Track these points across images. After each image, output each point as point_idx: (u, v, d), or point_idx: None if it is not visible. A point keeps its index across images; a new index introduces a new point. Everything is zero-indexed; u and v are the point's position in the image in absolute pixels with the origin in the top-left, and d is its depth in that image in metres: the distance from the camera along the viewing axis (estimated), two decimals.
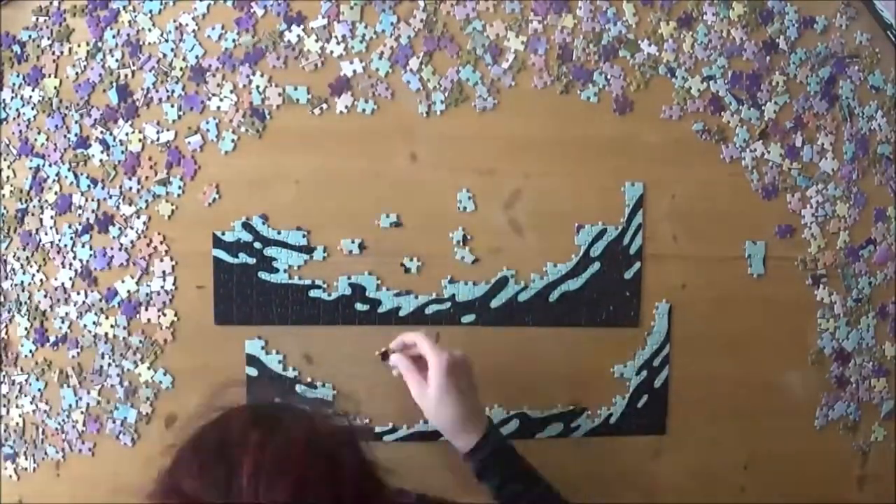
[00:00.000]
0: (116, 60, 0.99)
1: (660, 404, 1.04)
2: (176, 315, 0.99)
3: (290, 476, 0.59)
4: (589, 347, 1.03)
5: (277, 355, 1.01)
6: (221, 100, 0.99)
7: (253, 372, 1.01)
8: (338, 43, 1.01)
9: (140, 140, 0.99)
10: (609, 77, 1.03)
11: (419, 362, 0.90)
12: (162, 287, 0.99)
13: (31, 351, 0.99)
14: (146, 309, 0.99)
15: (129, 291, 0.99)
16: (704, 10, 1.04)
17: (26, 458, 1.01)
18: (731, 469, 1.05)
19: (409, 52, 1.01)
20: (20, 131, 0.98)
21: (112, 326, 0.99)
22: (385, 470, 0.67)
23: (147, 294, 0.99)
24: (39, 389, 1.00)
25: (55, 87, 0.98)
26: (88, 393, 1.00)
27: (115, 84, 0.99)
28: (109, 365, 1.00)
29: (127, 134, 0.99)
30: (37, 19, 0.99)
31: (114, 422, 1.00)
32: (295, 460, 0.61)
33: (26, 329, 0.99)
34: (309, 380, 1.01)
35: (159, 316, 0.99)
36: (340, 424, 0.69)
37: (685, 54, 1.04)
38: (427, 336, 0.91)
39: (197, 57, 0.99)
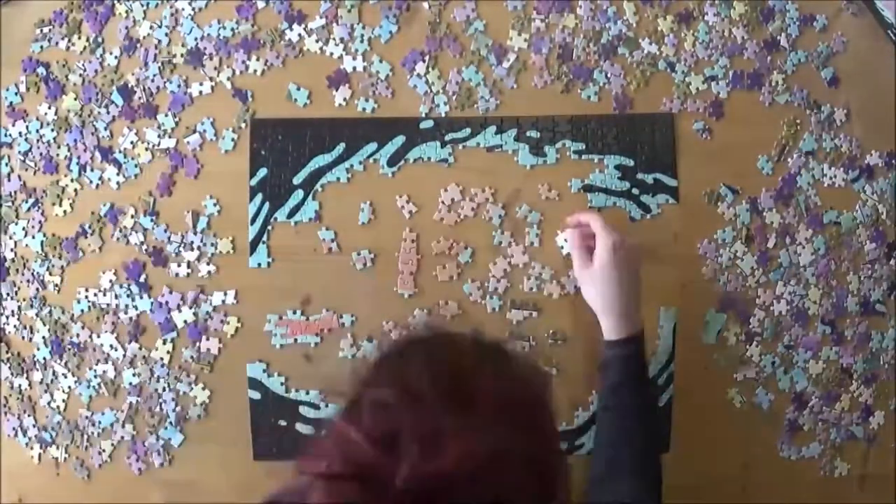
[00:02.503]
0: (115, 57, 1.00)
1: (664, 423, 1.03)
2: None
3: (512, 422, 0.57)
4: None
5: (279, 377, 1.01)
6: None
7: (256, 395, 1.01)
8: (336, 44, 1.01)
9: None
10: (609, 76, 1.03)
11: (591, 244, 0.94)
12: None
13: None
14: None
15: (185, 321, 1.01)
16: (706, 9, 1.04)
17: (57, 449, 1.02)
18: (731, 469, 1.05)
19: (417, 55, 1.02)
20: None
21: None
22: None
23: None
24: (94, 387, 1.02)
25: (75, 99, 1.01)
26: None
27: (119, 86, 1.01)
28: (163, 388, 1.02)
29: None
30: (41, 30, 1.00)
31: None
32: (518, 406, 0.59)
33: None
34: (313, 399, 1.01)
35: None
36: (546, 377, 0.69)
37: (686, 52, 1.04)
38: (601, 216, 0.94)
39: (196, 39, 1.01)
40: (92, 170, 1.01)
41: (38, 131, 1.01)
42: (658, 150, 1.03)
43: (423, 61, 1.02)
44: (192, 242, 1.00)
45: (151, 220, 1.00)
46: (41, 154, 1.01)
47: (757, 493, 1.05)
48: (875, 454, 1.06)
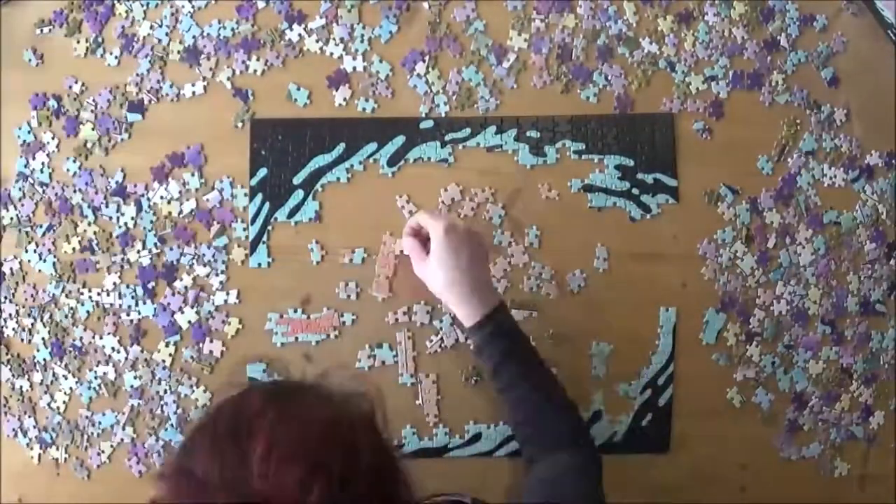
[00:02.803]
0: (116, 58, 1.00)
1: (664, 423, 1.03)
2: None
3: (304, 461, 0.56)
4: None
5: (279, 377, 1.01)
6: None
7: None
8: (336, 44, 1.01)
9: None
10: (609, 76, 1.03)
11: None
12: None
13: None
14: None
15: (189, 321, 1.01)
16: (706, 9, 1.04)
17: (57, 450, 1.02)
18: (731, 469, 1.05)
19: (417, 55, 1.02)
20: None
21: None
22: (401, 458, 0.64)
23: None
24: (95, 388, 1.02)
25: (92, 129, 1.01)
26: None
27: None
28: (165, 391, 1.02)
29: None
30: (40, 30, 1.00)
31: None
32: (310, 444, 0.58)
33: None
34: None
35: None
36: (363, 410, 0.65)
37: (686, 52, 1.04)
38: (425, 211, 0.92)
39: (194, 37, 1.01)
40: (107, 206, 1.01)
41: (50, 166, 1.02)
42: (658, 150, 1.03)
43: (423, 61, 1.02)
44: (204, 256, 1.01)
45: (161, 244, 1.01)
46: (56, 195, 1.01)
47: (757, 493, 1.05)
48: (875, 454, 1.06)
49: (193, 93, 1.01)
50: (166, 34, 1.01)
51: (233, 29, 1.01)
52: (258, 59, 1.01)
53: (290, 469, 0.56)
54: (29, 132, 1.01)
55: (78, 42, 1.01)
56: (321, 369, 0.70)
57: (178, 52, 1.01)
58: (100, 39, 1.01)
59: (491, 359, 0.88)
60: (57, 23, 1.01)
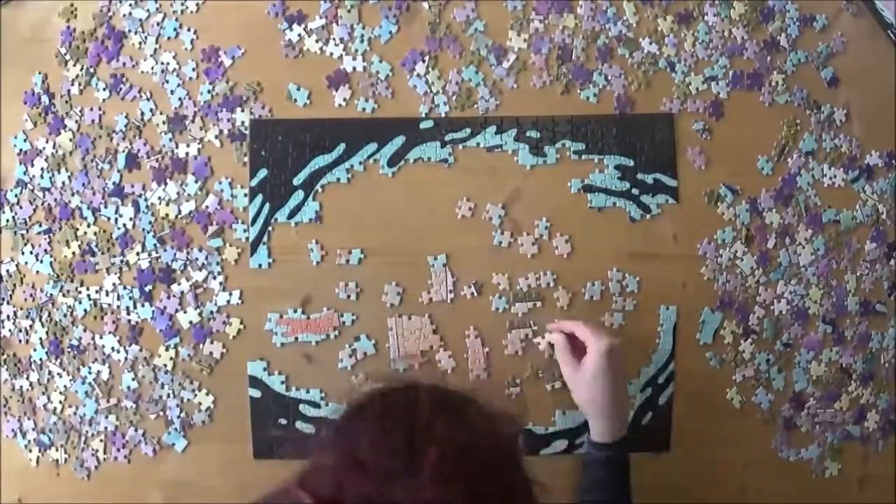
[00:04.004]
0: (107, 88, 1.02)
1: (664, 422, 1.03)
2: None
3: (468, 478, 0.56)
4: None
5: (280, 376, 1.01)
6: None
7: (256, 393, 1.01)
8: (336, 44, 1.01)
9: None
10: (609, 77, 1.03)
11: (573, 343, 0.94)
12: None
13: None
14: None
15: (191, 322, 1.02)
16: (706, 10, 1.04)
17: (56, 451, 1.02)
18: (731, 469, 1.05)
19: (417, 55, 1.01)
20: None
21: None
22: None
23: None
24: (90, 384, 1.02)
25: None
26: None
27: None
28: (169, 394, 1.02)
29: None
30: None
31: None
32: (476, 461, 0.58)
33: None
34: (313, 398, 1.01)
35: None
36: (513, 432, 0.66)
37: (686, 52, 1.04)
38: (585, 323, 0.94)
39: (180, 99, 1.01)
40: (106, 207, 1.01)
41: (49, 171, 1.02)
42: (658, 150, 1.03)
43: (423, 61, 1.02)
44: (199, 259, 1.01)
45: (160, 246, 1.01)
46: (55, 200, 1.01)
47: (756, 493, 1.05)
48: (874, 454, 1.06)
49: (187, 154, 1.01)
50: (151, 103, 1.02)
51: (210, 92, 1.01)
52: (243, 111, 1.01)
53: (457, 482, 0.55)
54: (25, 140, 1.01)
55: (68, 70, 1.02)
56: (472, 384, 0.68)
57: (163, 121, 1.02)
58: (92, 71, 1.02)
59: (598, 475, 0.92)
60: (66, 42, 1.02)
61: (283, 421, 1.01)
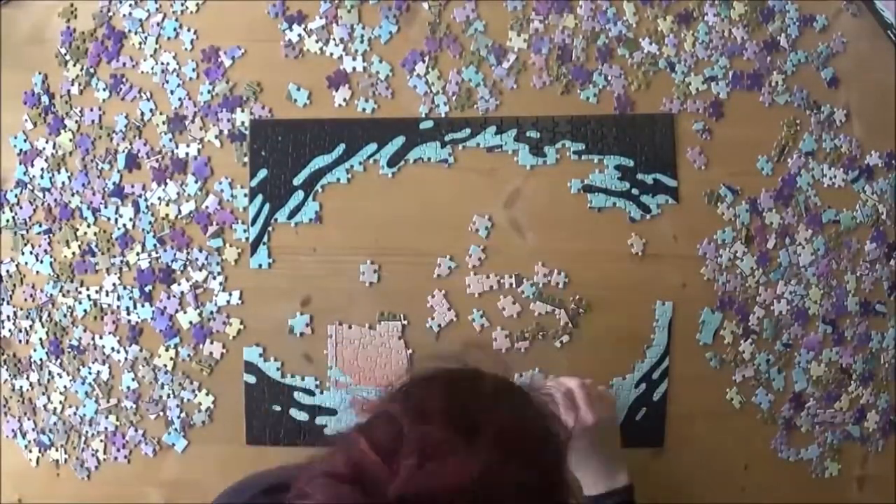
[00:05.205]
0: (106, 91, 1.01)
1: (658, 418, 1.03)
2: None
3: (520, 460, 0.57)
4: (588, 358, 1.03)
5: (276, 362, 1.01)
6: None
7: (251, 379, 1.01)
8: (336, 44, 1.01)
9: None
10: (609, 77, 1.03)
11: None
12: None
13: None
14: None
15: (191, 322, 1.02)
16: (706, 10, 1.04)
17: (56, 451, 1.02)
18: (731, 469, 1.05)
19: (417, 55, 1.01)
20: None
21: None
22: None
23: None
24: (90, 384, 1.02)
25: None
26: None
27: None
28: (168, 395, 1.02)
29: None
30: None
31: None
32: (528, 448, 0.59)
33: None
34: (308, 386, 1.01)
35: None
36: (565, 433, 0.68)
37: (686, 52, 1.04)
38: (583, 387, 0.90)
39: (180, 99, 1.01)
40: (106, 207, 1.01)
41: (48, 171, 1.02)
42: (658, 151, 1.03)
43: (423, 61, 1.02)
44: (199, 259, 1.01)
45: (160, 246, 1.01)
46: (55, 200, 1.01)
47: (756, 493, 1.05)
48: (874, 454, 1.06)
49: (187, 154, 1.01)
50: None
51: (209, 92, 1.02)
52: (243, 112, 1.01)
53: (509, 460, 0.56)
54: (25, 140, 1.01)
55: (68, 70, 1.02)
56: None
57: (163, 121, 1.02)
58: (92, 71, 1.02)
59: None
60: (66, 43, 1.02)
61: (276, 408, 1.01)
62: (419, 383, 0.64)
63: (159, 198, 1.01)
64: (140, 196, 1.01)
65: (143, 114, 1.01)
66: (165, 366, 1.01)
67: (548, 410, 0.68)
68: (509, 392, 0.66)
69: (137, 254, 1.01)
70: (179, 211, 1.01)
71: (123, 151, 1.01)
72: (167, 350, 1.01)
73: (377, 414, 0.60)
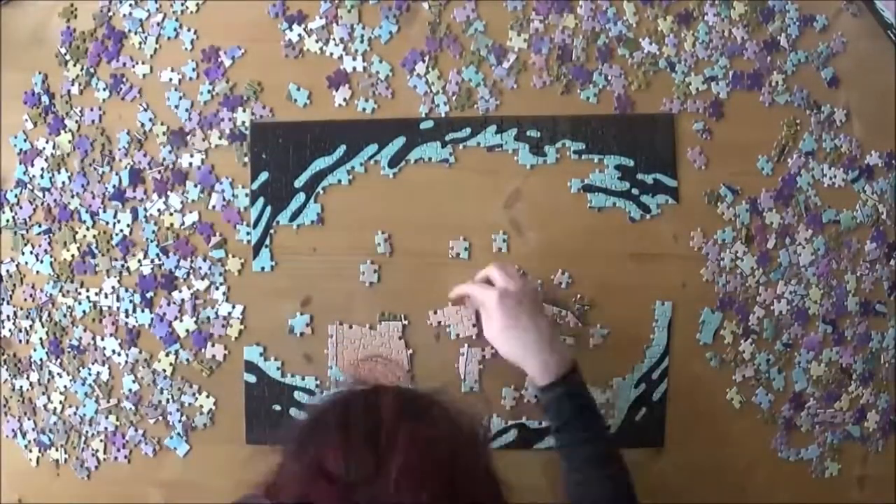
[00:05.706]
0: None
1: (658, 418, 1.03)
2: None
3: (434, 480, 0.57)
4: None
5: (276, 362, 1.01)
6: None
7: (251, 378, 1.01)
8: (336, 44, 1.01)
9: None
10: (609, 77, 1.03)
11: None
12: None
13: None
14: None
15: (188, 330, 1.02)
16: (706, 10, 1.04)
17: (56, 451, 1.02)
18: (731, 469, 1.05)
19: (417, 55, 1.01)
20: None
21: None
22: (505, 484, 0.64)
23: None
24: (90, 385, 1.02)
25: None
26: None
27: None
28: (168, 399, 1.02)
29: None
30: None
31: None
32: (439, 463, 0.59)
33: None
34: (308, 386, 1.02)
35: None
36: (477, 426, 0.66)
37: (686, 52, 1.04)
38: (497, 265, 0.91)
39: (186, 110, 1.01)
40: (105, 211, 1.01)
41: (48, 171, 1.02)
42: (658, 150, 1.03)
43: (423, 61, 1.02)
44: (202, 268, 1.01)
45: (162, 253, 1.01)
46: (55, 200, 1.01)
47: (756, 493, 1.05)
48: (874, 454, 1.06)
49: (190, 164, 1.01)
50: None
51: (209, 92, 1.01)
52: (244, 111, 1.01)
53: (424, 486, 0.56)
54: (25, 140, 1.01)
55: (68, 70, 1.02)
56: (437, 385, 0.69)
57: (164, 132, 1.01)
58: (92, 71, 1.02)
59: (558, 418, 0.87)
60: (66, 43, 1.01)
61: (277, 408, 1.01)
62: (314, 428, 0.63)
63: (159, 210, 1.00)
64: (141, 202, 1.01)
65: (142, 125, 1.01)
66: (165, 370, 1.01)
67: (456, 408, 0.66)
68: (410, 408, 0.64)
69: (139, 260, 1.00)
70: (183, 222, 1.01)
71: (126, 168, 1.00)
72: (167, 356, 1.01)
73: (279, 473, 0.61)
